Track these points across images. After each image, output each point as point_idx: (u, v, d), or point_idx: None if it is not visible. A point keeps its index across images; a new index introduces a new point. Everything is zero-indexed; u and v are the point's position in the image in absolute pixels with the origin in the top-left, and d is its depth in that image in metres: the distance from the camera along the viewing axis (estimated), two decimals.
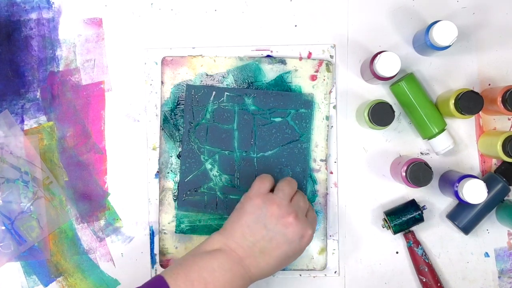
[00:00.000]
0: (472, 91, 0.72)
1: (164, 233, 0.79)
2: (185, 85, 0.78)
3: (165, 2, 0.80)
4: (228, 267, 0.66)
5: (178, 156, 0.79)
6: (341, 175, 0.79)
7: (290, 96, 0.78)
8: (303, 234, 0.68)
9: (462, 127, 0.79)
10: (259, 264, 0.67)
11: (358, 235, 0.79)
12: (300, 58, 0.79)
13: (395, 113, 0.73)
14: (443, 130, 0.76)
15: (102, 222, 0.80)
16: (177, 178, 0.79)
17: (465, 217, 0.77)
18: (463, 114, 0.73)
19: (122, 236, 0.80)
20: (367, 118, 0.73)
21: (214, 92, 0.78)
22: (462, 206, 0.77)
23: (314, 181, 0.78)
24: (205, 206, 0.78)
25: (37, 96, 0.80)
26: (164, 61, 0.79)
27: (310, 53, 0.79)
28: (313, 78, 0.79)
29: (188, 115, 0.78)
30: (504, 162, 0.78)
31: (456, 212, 0.78)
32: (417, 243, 0.78)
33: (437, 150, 0.77)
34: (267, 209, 0.67)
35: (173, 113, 0.79)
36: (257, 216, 0.67)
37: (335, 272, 0.79)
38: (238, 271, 0.66)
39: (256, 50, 0.79)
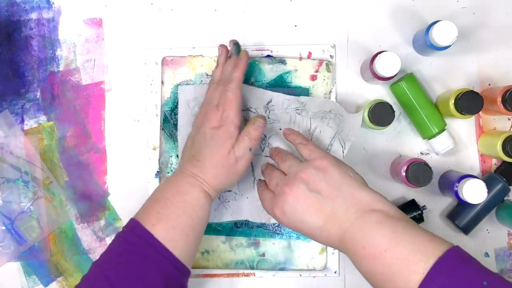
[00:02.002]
0: (472, 91, 0.72)
1: None
2: (176, 86, 0.78)
3: (165, 2, 0.80)
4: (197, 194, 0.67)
5: (178, 156, 0.79)
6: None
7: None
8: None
9: (462, 127, 0.79)
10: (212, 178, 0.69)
11: None
12: (300, 58, 0.79)
13: (395, 113, 0.73)
14: (443, 130, 0.76)
15: (102, 222, 0.80)
16: None
17: (465, 217, 0.77)
18: (463, 114, 0.73)
19: None
20: (367, 118, 0.73)
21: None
22: (462, 206, 0.77)
23: None
24: None
25: (37, 96, 0.80)
26: (164, 61, 0.79)
27: (310, 53, 0.79)
28: (313, 78, 0.79)
29: (182, 116, 0.78)
30: (504, 162, 0.78)
31: (456, 212, 0.78)
32: None
33: (437, 150, 0.77)
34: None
35: (173, 113, 0.79)
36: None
37: (335, 272, 0.79)
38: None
39: (256, 50, 0.79)
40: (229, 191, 0.77)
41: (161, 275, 0.61)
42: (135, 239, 0.62)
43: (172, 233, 0.63)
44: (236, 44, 0.74)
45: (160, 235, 0.62)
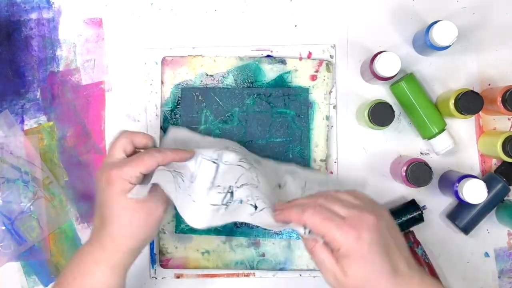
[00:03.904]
0: (472, 91, 0.72)
1: (164, 233, 0.79)
2: (180, 89, 0.78)
3: (165, 2, 0.80)
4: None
5: None
6: (341, 175, 0.79)
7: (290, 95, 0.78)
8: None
9: (462, 127, 0.79)
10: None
11: None
12: (300, 58, 0.79)
13: (395, 113, 0.73)
14: (443, 130, 0.76)
15: None
16: None
17: (465, 217, 0.77)
18: (463, 114, 0.73)
19: None
20: (367, 118, 0.73)
21: (211, 94, 0.78)
22: (462, 206, 0.77)
23: None
24: None
25: (37, 96, 0.80)
26: (164, 61, 0.79)
27: (310, 53, 0.79)
28: (313, 78, 0.79)
29: (185, 118, 0.78)
30: (504, 162, 0.78)
31: (456, 212, 0.78)
32: (417, 243, 0.78)
33: (437, 150, 0.77)
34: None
35: (173, 113, 0.79)
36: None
37: None
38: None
39: (256, 50, 0.79)
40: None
41: None
42: None
43: None
44: None
45: None
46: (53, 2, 0.80)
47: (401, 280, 0.56)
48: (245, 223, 0.78)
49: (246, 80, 0.79)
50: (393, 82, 0.78)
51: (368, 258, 0.55)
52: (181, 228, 0.78)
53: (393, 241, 0.57)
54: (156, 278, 0.79)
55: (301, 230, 0.58)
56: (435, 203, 0.79)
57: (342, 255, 0.55)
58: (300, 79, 0.79)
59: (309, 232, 0.58)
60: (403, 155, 0.79)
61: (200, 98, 0.78)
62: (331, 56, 0.79)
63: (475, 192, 0.71)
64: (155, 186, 0.61)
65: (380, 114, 0.72)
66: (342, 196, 0.60)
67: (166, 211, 0.63)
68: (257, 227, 0.78)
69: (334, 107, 0.79)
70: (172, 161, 0.63)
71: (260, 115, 0.78)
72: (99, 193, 0.61)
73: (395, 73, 0.71)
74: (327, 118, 0.79)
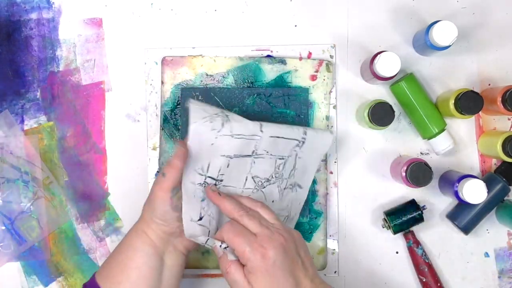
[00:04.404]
0: (472, 91, 0.72)
1: None
2: (180, 89, 0.78)
3: (165, 2, 0.80)
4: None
5: None
6: (341, 175, 0.79)
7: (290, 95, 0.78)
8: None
9: (462, 127, 0.79)
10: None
11: (358, 235, 0.79)
12: (300, 58, 0.79)
13: (395, 113, 0.73)
14: (443, 130, 0.76)
15: (102, 222, 0.80)
16: None
17: (465, 217, 0.77)
18: (463, 114, 0.73)
19: (122, 236, 0.80)
20: (367, 118, 0.73)
21: (211, 94, 0.78)
22: (462, 206, 0.77)
23: (314, 181, 0.78)
24: None
25: (37, 96, 0.80)
26: (164, 61, 0.79)
27: (310, 53, 0.79)
28: (313, 78, 0.79)
29: (185, 118, 0.78)
30: (504, 162, 0.78)
31: (456, 212, 0.78)
32: (417, 243, 0.78)
33: (437, 150, 0.77)
34: None
35: (173, 113, 0.79)
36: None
37: (335, 272, 0.79)
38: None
39: (256, 50, 0.79)
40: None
41: None
42: None
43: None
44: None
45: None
46: (53, 2, 0.80)
47: None
48: None
49: (246, 80, 0.79)
50: (393, 82, 0.78)
51: (272, 273, 0.59)
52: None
53: (300, 260, 0.62)
54: None
55: (218, 244, 0.63)
56: (435, 203, 0.79)
57: (248, 270, 0.60)
58: (300, 79, 0.79)
59: (226, 247, 0.63)
60: (403, 155, 0.79)
61: (200, 98, 0.78)
62: (331, 56, 0.79)
63: (475, 192, 0.71)
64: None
65: (380, 114, 0.72)
66: (263, 213, 0.65)
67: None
68: None
69: (334, 107, 0.79)
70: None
71: (260, 115, 0.78)
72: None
73: (395, 73, 0.71)
74: (327, 118, 0.79)
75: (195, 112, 0.66)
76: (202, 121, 0.66)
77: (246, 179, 0.70)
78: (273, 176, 0.71)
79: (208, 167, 0.67)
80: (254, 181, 0.70)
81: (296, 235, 0.65)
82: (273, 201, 0.72)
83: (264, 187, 0.71)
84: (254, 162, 0.69)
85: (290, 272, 0.61)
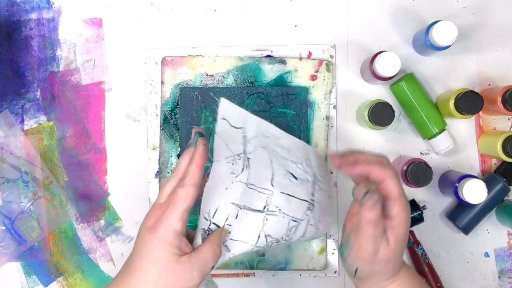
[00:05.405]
0: (472, 91, 0.72)
1: None
2: (180, 88, 0.78)
3: (165, 2, 0.80)
4: None
5: (178, 156, 0.79)
6: (341, 175, 0.79)
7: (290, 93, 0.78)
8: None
9: (462, 127, 0.79)
10: None
11: None
12: (300, 58, 0.79)
13: (395, 113, 0.73)
14: (443, 130, 0.76)
15: (102, 222, 0.80)
16: None
17: (465, 217, 0.77)
18: (463, 114, 0.73)
19: (122, 236, 0.80)
20: (367, 118, 0.73)
21: (211, 93, 0.78)
22: (462, 206, 0.77)
23: None
24: None
25: (37, 96, 0.80)
26: (164, 61, 0.79)
27: (310, 53, 0.79)
28: (313, 78, 0.79)
29: (185, 118, 0.78)
30: (504, 162, 0.78)
31: (456, 212, 0.78)
32: (417, 243, 0.78)
33: (437, 150, 0.77)
34: None
35: (173, 113, 0.79)
36: None
37: (335, 272, 0.79)
38: None
39: (256, 50, 0.79)
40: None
41: None
42: None
43: None
44: (198, 133, 0.59)
45: None
46: (53, 2, 0.80)
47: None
48: None
49: (246, 80, 0.79)
50: (393, 82, 0.78)
51: (405, 238, 0.58)
52: None
53: None
54: None
55: (361, 192, 0.57)
56: (435, 203, 0.79)
57: (392, 224, 0.57)
58: (300, 79, 0.79)
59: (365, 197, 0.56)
60: (403, 155, 0.79)
61: (200, 98, 0.78)
62: (331, 56, 0.79)
63: (475, 192, 0.71)
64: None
65: (380, 114, 0.72)
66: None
67: (202, 280, 0.55)
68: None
69: (334, 107, 0.79)
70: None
71: (260, 115, 0.78)
72: (139, 235, 0.56)
73: (395, 73, 0.71)
74: (327, 118, 0.79)
75: (220, 141, 0.61)
76: (224, 161, 0.61)
77: (259, 237, 0.62)
78: (284, 239, 0.64)
79: (215, 212, 0.60)
80: (266, 239, 0.63)
81: None
82: None
83: (271, 247, 0.65)
84: (267, 219, 0.62)
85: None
